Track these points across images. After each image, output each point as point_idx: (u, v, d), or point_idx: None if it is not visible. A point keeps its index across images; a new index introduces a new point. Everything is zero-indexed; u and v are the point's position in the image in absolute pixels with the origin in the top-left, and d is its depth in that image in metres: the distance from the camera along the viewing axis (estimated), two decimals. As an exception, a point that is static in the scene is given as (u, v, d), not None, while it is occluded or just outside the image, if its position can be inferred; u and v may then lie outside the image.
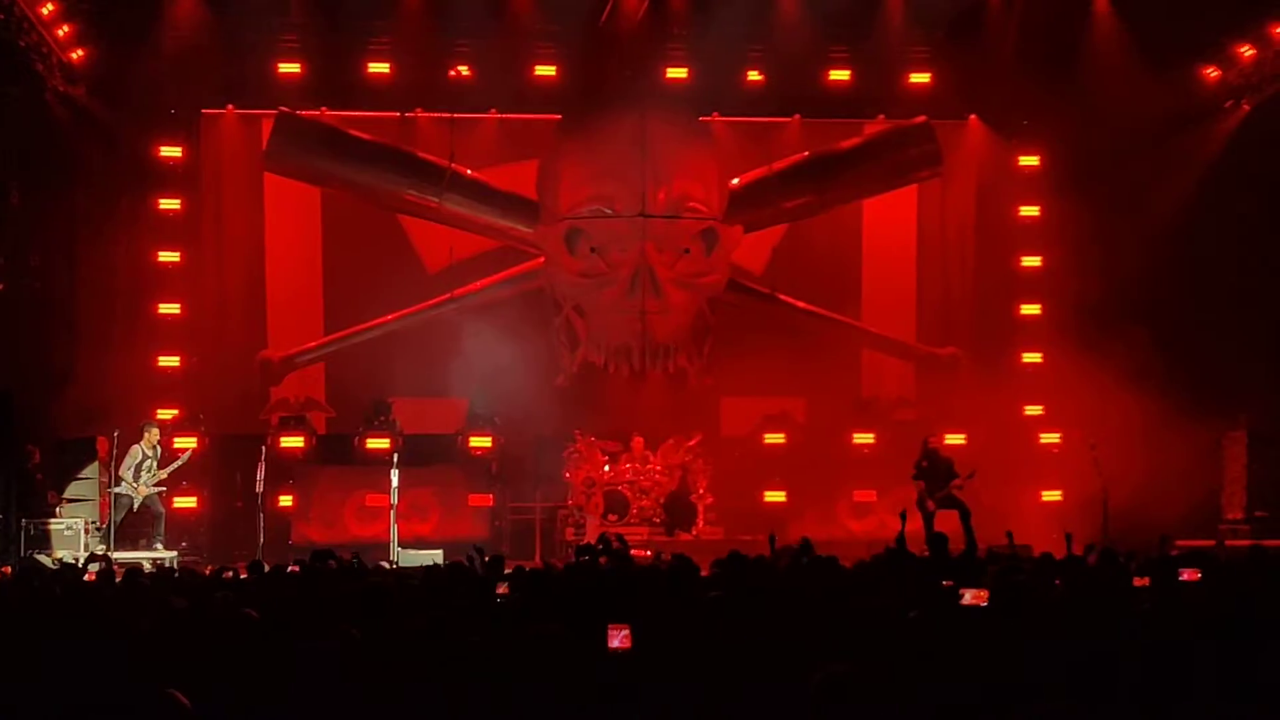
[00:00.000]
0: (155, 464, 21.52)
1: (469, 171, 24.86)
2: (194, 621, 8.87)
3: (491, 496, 23.66)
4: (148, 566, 17.64)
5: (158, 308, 24.12)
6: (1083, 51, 23.56)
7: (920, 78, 24.90)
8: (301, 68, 24.02)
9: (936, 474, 21.40)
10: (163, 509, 21.64)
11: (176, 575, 14.77)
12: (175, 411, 23.51)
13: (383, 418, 23.79)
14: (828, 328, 25.49)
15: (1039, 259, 25.61)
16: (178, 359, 24.19)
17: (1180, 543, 17.32)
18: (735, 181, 25.10)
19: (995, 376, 24.68)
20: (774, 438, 24.73)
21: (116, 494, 21.29)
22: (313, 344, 25.14)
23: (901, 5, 23.94)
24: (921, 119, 25.26)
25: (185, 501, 22.80)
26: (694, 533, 23.43)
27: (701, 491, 23.88)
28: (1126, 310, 23.08)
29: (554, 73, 24.25)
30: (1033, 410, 25.23)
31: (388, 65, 24.11)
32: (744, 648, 7.50)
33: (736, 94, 24.78)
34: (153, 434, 21.69)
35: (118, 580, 13.19)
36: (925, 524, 21.21)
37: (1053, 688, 6.89)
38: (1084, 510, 20.58)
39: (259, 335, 25.10)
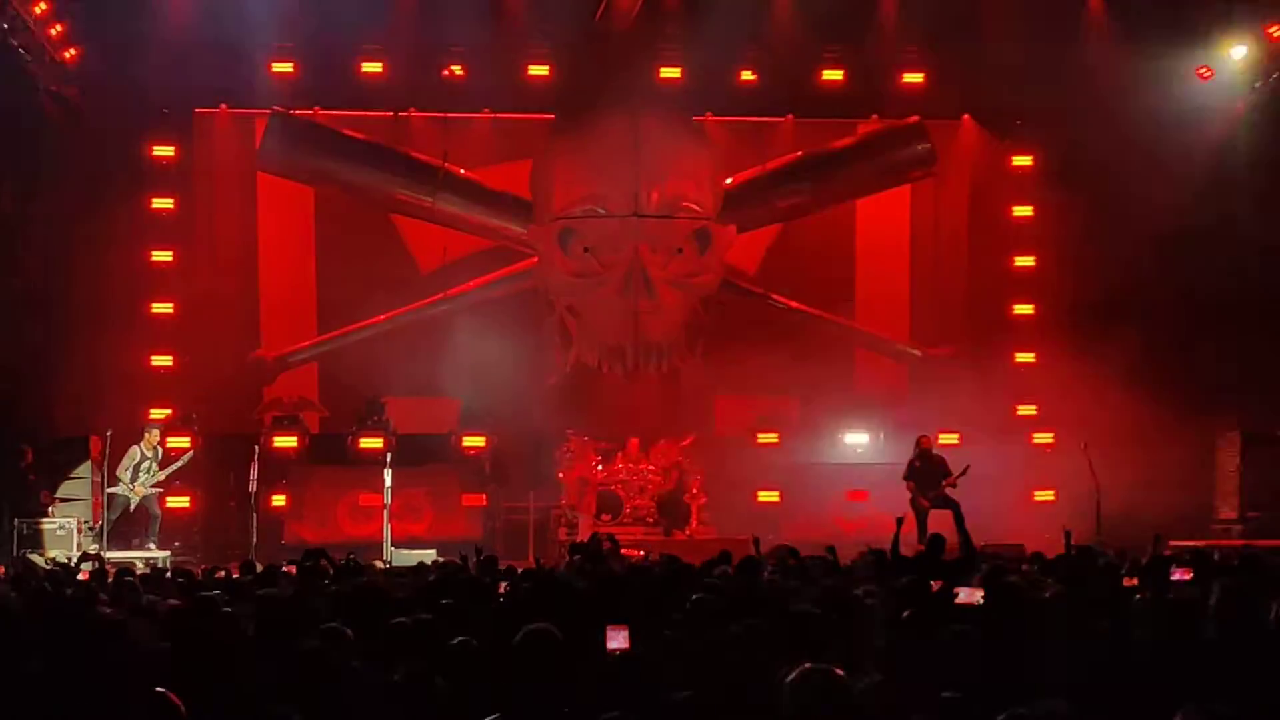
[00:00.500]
0: (154, 465, 21.52)
1: (462, 171, 24.86)
2: (187, 622, 8.86)
3: (485, 496, 23.64)
4: (141, 566, 17.64)
5: (151, 307, 24.11)
6: (1076, 51, 23.57)
7: (913, 77, 24.90)
8: (294, 67, 24.00)
9: (929, 474, 21.42)
10: (160, 510, 21.65)
11: (168, 575, 14.75)
12: (168, 411, 23.48)
13: (376, 417, 23.77)
14: (821, 327, 25.51)
15: (1032, 259, 25.63)
16: (171, 358, 24.18)
17: (1173, 543, 17.35)
18: (729, 181, 25.10)
19: (989, 376, 24.68)
20: (767, 437, 24.72)
21: (112, 494, 21.28)
22: (306, 343, 25.14)
23: (895, 5, 23.95)
24: (915, 119, 25.29)
25: (178, 501, 22.75)
26: (687, 532, 23.41)
27: (695, 491, 23.87)
28: (1120, 310, 23.10)
29: (547, 72, 24.25)
30: (1026, 410, 25.25)
31: (381, 65, 24.09)
32: (736, 649, 7.50)
33: (730, 93, 24.77)
34: (153, 436, 21.69)
35: (110, 580, 13.18)
36: (919, 524, 21.23)
37: (1047, 687, 6.89)
38: (1077, 510, 20.57)
39: (252, 335, 25.10)
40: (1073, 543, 15.86)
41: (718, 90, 24.68)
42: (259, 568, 14.40)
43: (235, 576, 13.84)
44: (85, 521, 21.16)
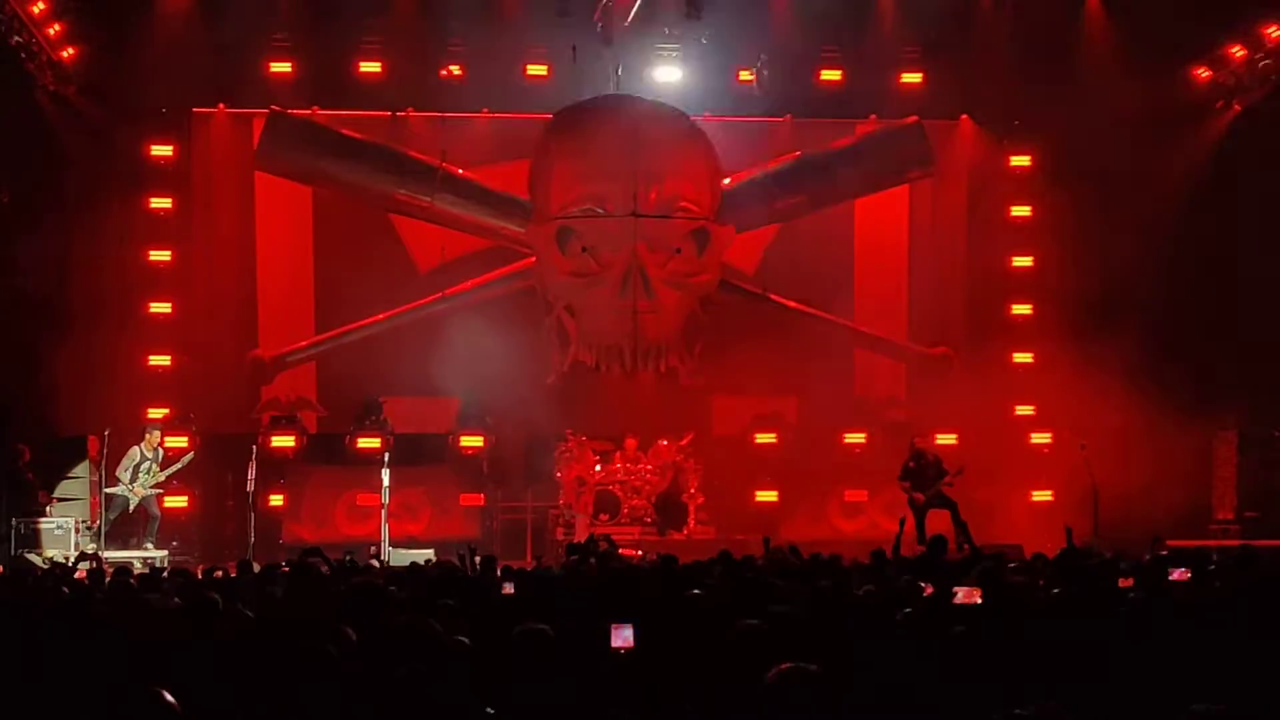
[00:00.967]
0: (154, 466, 21.51)
1: (460, 171, 24.85)
2: (185, 621, 8.86)
3: (483, 496, 23.65)
4: (138, 566, 17.63)
5: (148, 307, 24.09)
6: (1074, 51, 23.59)
7: (912, 78, 24.90)
8: (292, 67, 24.00)
9: (925, 474, 21.43)
10: (159, 511, 21.65)
11: (166, 575, 14.73)
12: (166, 411, 23.47)
13: (374, 417, 23.77)
14: (819, 327, 25.49)
15: (1030, 259, 25.64)
16: (168, 358, 24.17)
17: (1171, 543, 17.36)
18: (727, 181, 25.09)
19: (986, 376, 24.71)
20: (765, 437, 24.73)
21: (111, 494, 21.27)
22: (304, 343, 25.12)
23: (893, 5, 23.96)
24: (913, 119, 25.28)
25: (176, 501, 22.75)
26: (685, 532, 23.42)
27: (693, 491, 23.87)
28: (1117, 310, 23.12)
29: (545, 72, 24.25)
30: (1024, 410, 25.26)
31: (379, 64, 24.10)
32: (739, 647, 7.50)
33: (728, 93, 24.77)
34: (154, 437, 21.69)
35: (107, 580, 13.17)
36: (917, 524, 21.25)
37: (1045, 687, 6.89)
38: (1075, 510, 20.59)
39: (250, 334, 25.09)
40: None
41: (716, 90, 24.67)
42: (257, 567, 14.40)
43: (233, 576, 13.83)
44: (83, 521, 21.15)
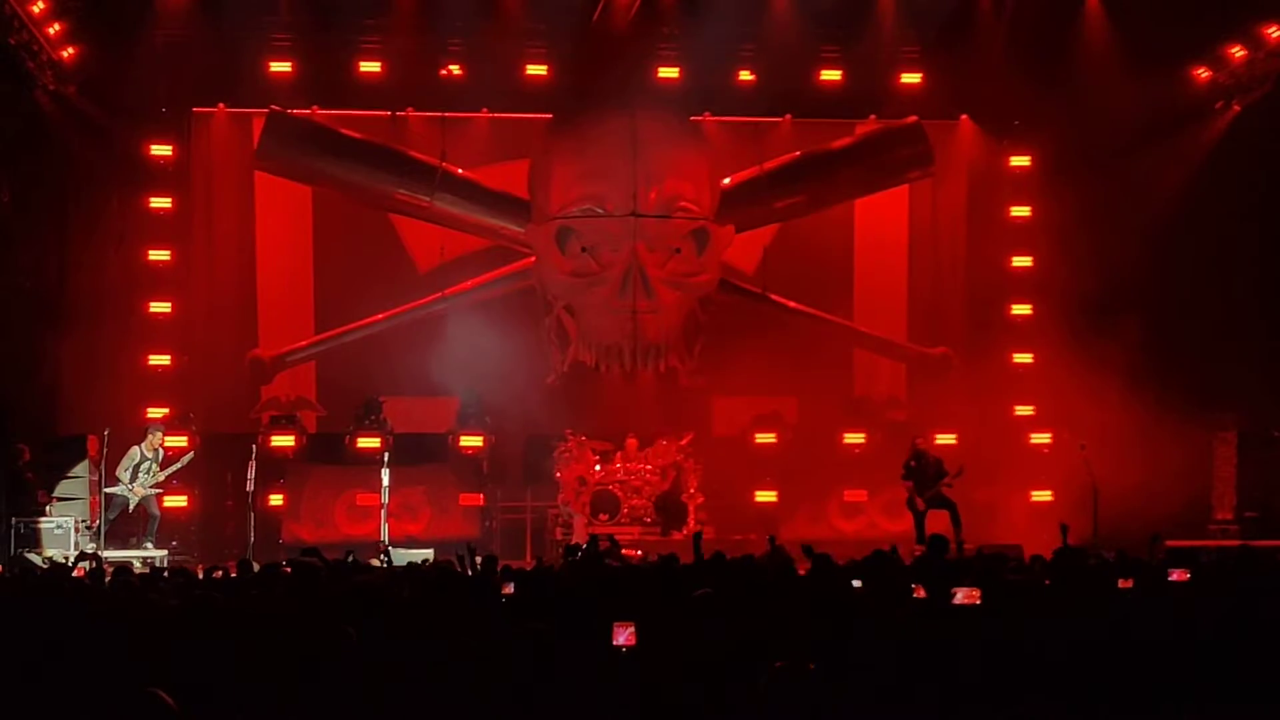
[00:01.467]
0: (154, 466, 21.50)
1: (460, 171, 24.85)
2: (183, 621, 8.86)
3: (482, 496, 23.65)
4: (138, 566, 17.62)
5: (148, 306, 24.09)
6: (1074, 52, 23.58)
7: (911, 78, 24.90)
8: (292, 66, 23.99)
9: (925, 474, 21.45)
10: (159, 511, 21.64)
11: (166, 575, 14.73)
12: (166, 410, 23.47)
13: (373, 417, 23.77)
14: (819, 327, 25.50)
15: (1030, 259, 25.64)
16: (168, 358, 24.17)
17: (1170, 543, 17.37)
18: (726, 181, 25.10)
19: (986, 376, 24.73)
20: (765, 437, 24.72)
21: (110, 494, 21.27)
22: (303, 343, 25.13)
23: (893, 5, 23.94)
24: (913, 119, 25.28)
25: (175, 500, 22.75)
26: (685, 532, 23.41)
27: (693, 491, 23.87)
28: (1117, 310, 23.12)
29: (545, 72, 24.25)
30: (1023, 410, 25.27)
31: (379, 64, 24.09)
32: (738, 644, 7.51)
33: (728, 93, 24.77)
34: (155, 438, 21.67)
35: (107, 579, 13.17)
36: (915, 524, 21.26)
37: (1043, 686, 6.90)
38: (1074, 510, 20.59)
39: (250, 334, 25.09)
40: (1070, 541, 15.87)
41: (716, 90, 24.68)
42: (256, 567, 14.40)
43: (233, 576, 13.83)
44: (82, 521, 21.15)
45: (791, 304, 25.55)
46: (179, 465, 21.86)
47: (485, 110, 24.87)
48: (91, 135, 23.28)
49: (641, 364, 24.46)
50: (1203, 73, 23.97)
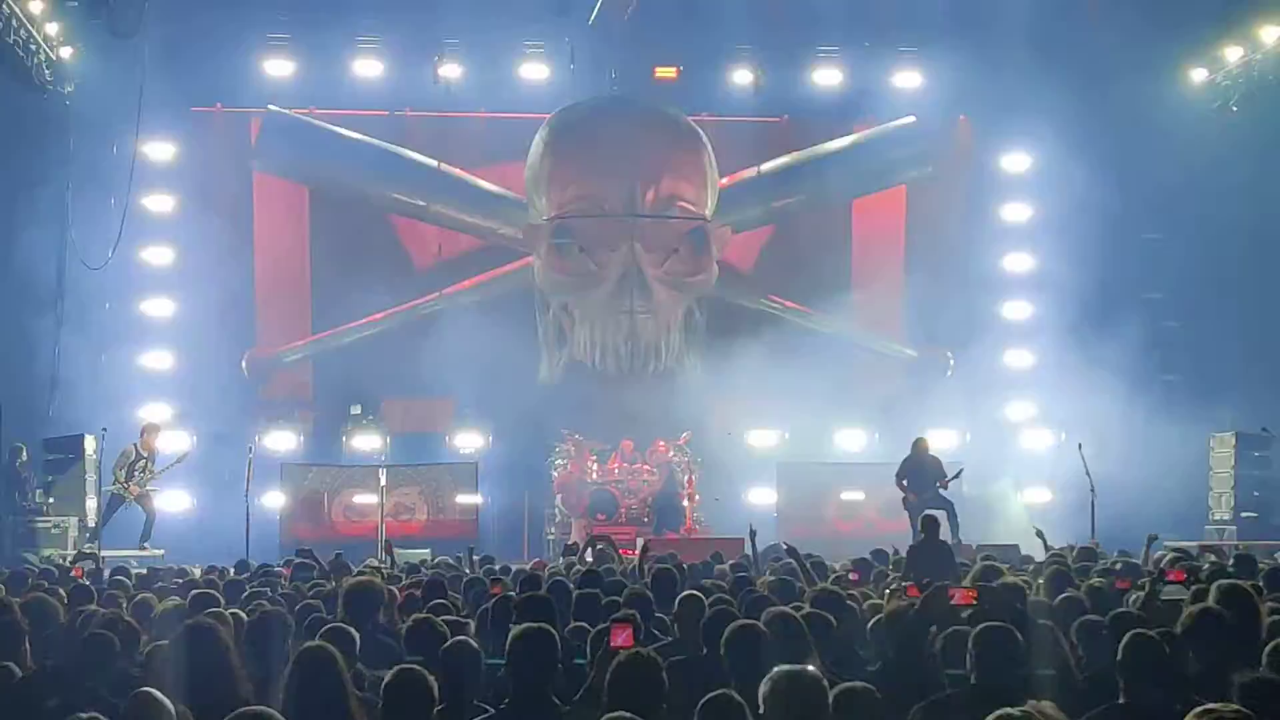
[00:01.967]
0: (149, 464, 21.49)
1: (458, 171, 24.85)
2: (182, 620, 8.86)
3: (479, 496, 23.64)
4: (136, 565, 17.61)
5: (146, 306, 24.08)
6: (1074, 51, 23.58)
7: (910, 78, 24.90)
8: (291, 67, 23.99)
9: (924, 474, 21.43)
10: (154, 510, 21.62)
11: (164, 575, 14.73)
12: (164, 410, 23.46)
13: (371, 417, 23.77)
14: (816, 327, 25.49)
15: (1028, 259, 25.64)
16: (166, 357, 24.15)
17: (1167, 543, 17.37)
18: (724, 181, 25.10)
19: (983, 376, 24.72)
20: (763, 437, 24.71)
21: (109, 493, 21.25)
22: (301, 343, 25.13)
23: (892, 5, 23.94)
24: (910, 119, 25.28)
25: (174, 500, 22.75)
26: (682, 532, 23.42)
27: (690, 491, 23.88)
28: (1116, 310, 23.13)
29: (544, 72, 24.24)
30: (1021, 410, 25.26)
31: (377, 64, 24.08)
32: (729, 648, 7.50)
33: (726, 93, 24.77)
34: (151, 438, 21.65)
35: (105, 579, 13.18)
36: (913, 523, 21.23)
37: (1040, 687, 6.91)
38: (1072, 510, 20.60)
39: (247, 334, 25.08)
40: (1069, 544, 15.88)
41: (713, 90, 24.67)
42: (254, 566, 14.41)
43: (231, 576, 13.82)
44: (80, 520, 21.14)
45: (789, 304, 25.56)
46: (173, 464, 21.84)
47: (483, 110, 24.87)
48: (89, 135, 23.26)
49: (639, 364, 24.48)
50: (1201, 73, 23.97)
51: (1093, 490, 20.33)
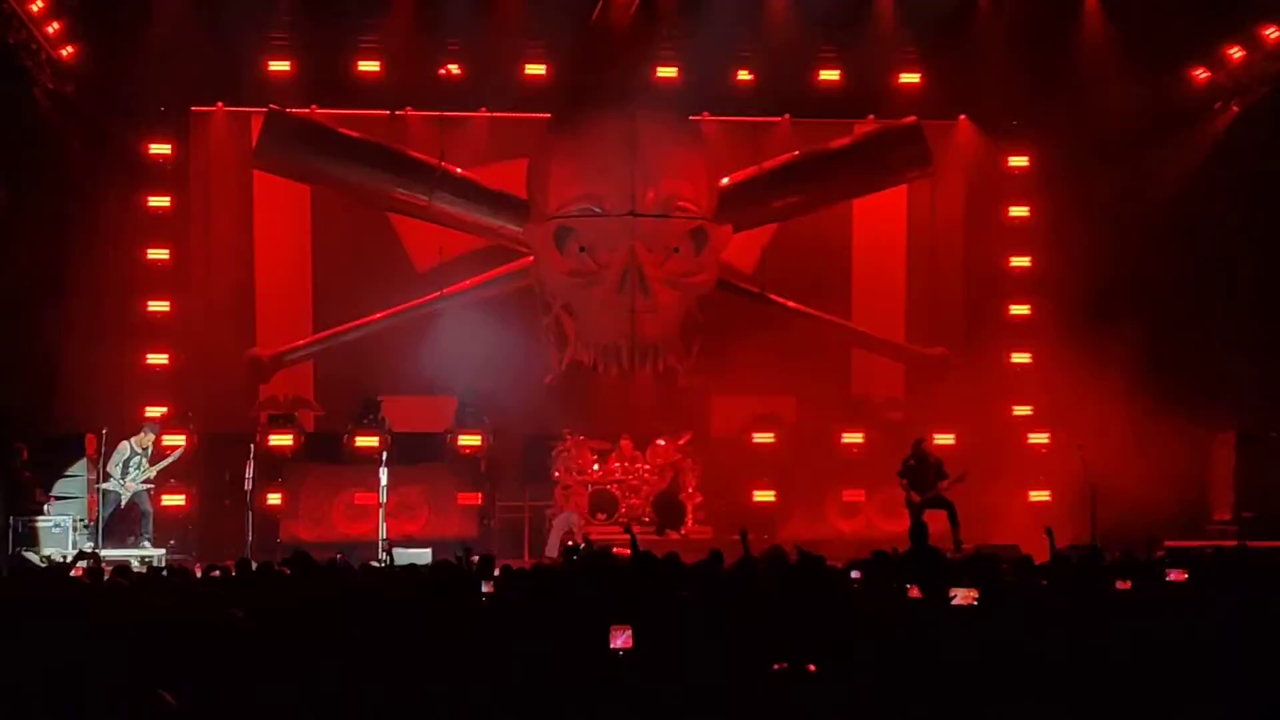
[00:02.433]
0: (144, 461, 21.50)
1: (459, 170, 24.85)
2: (183, 620, 8.87)
3: (480, 495, 23.64)
4: (136, 565, 17.62)
5: (146, 305, 24.09)
6: (1072, 52, 23.58)
7: (910, 78, 24.89)
8: (291, 65, 23.98)
9: (924, 474, 21.44)
10: (150, 507, 21.62)
11: (164, 574, 14.73)
12: (164, 409, 23.47)
13: (372, 416, 23.77)
14: (817, 327, 25.50)
15: (1028, 259, 25.64)
16: (166, 357, 24.16)
17: (1168, 543, 17.39)
18: (725, 181, 25.10)
19: (984, 376, 24.72)
20: (763, 437, 24.72)
21: (104, 490, 21.27)
22: (302, 342, 25.12)
23: (891, 5, 23.93)
24: (911, 119, 25.27)
25: (173, 499, 22.77)
26: (683, 532, 23.44)
27: (690, 491, 23.90)
28: (1115, 311, 23.13)
29: (544, 71, 24.24)
30: (1021, 410, 25.27)
31: (378, 63, 24.07)
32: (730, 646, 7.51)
33: (726, 93, 24.77)
34: (146, 437, 21.65)
35: (105, 578, 13.18)
36: (912, 523, 21.25)
37: (1041, 687, 6.91)
38: (1072, 511, 20.61)
39: (248, 333, 25.08)
40: (1069, 544, 15.89)
41: (714, 89, 24.66)
42: (254, 566, 14.41)
43: (232, 575, 13.83)
44: (80, 519, 21.15)
45: (790, 304, 25.55)
46: (169, 461, 21.84)
47: (484, 110, 24.87)
48: (90, 134, 23.27)
49: (640, 363, 24.47)
50: (1201, 73, 23.97)
51: (1093, 490, 20.38)
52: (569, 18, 23.53)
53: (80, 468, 21.83)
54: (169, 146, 24.30)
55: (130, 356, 23.69)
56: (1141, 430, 21.51)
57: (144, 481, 21.49)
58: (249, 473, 21.46)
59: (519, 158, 25.15)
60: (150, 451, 21.66)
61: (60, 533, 20.55)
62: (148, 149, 24.12)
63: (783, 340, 24.45)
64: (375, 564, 17.28)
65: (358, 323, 24.78)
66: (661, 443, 24.18)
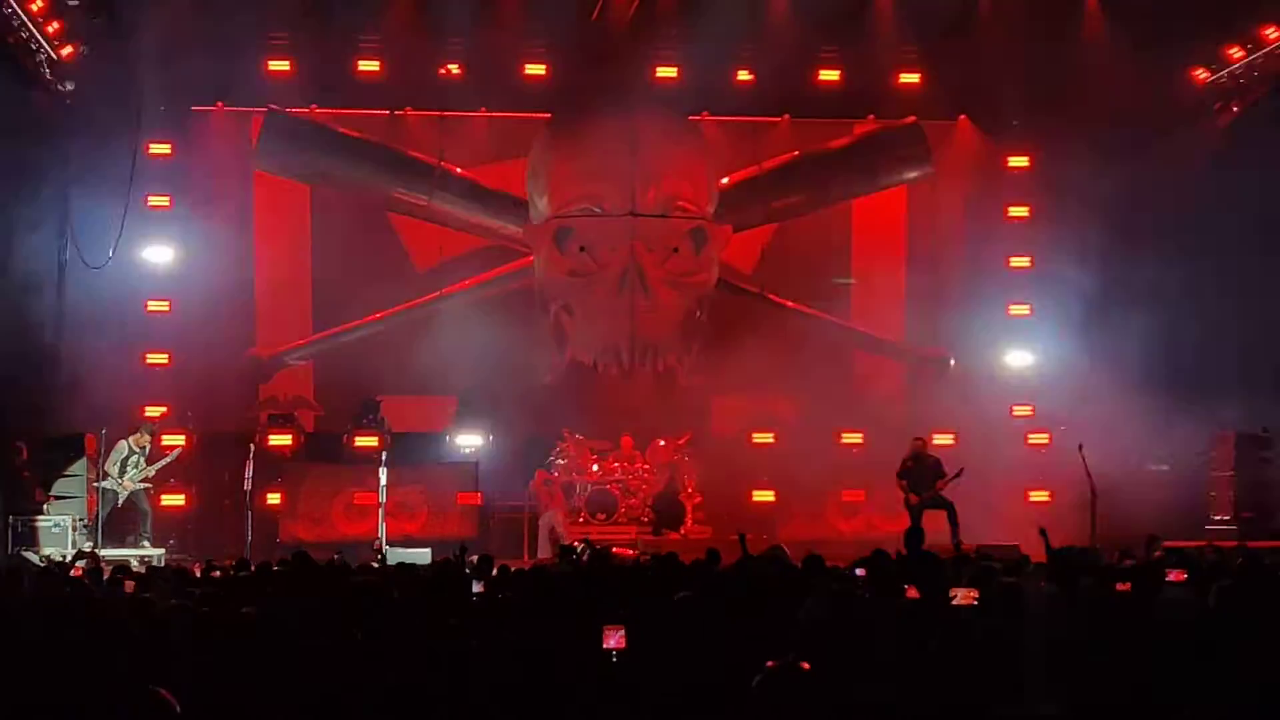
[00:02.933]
0: (142, 460, 21.50)
1: (458, 170, 24.86)
2: (182, 620, 8.86)
3: (480, 495, 23.64)
4: (135, 564, 17.62)
5: (146, 305, 24.09)
6: (1073, 52, 23.58)
7: (910, 78, 24.90)
8: (291, 65, 23.99)
9: (923, 474, 21.43)
10: (149, 507, 21.62)
11: (164, 573, 14.73)
12: (164, 409, 23.47)
13: (371, 416, 23.77)
14: (817, 327, 25.50)
15: (1028, 259, 25.64)
16: (166, 356, 24.16)
17: (1167, 544, 17.36)
18: (725, 181, 25.11)
19: (984, 377, 24.70)
20: (763, 437, 24.71)
21: (102, 489, 21.27)
22: (302, 342, 25.14)
23: (891, 5, 23.94)
24: (911, 119, 25.29)
25: (173, 499, 22.77)
26: (682, 532, 23.44)
27: (690, 491, 23.89)
28: (1116, 311, 23.11)
29: (544, 71, 24.25)
30: (1021, 411, 25.27)
31: (377, 63, 24.09)
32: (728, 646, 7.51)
33: (726, 93, 24.77)
34: (143, 437, 21.65)
35: (105, 578, 13.18)
36: (910, 526, 21.21)
37: (1041, 688, 6.91)
38: (1072, 511, 20.59)
39: (248, 333, 25.09)
40: (1069, 544, 15.86)
41: (714, 89, 24.66)
42: (253, 566, 14.41)
43: (231, 575, 13.83)
44: (80, 519, 21.15)
45: (789, 304, 25.56)
46: (166, 460, 21.84)
47: (484, 109, 24.88)
48: (90, 133, 23.25)
49: (639, 363, 24.48)
50: (1202, 74, 23.97)
51: (1093, 490, 20.35)
52: (569, 18, 23.53)
53: (80, 467, 21.83)
54: (169, 146, 24.29)
55: (130, 356, 23.67)
56: (1141, 430, 21.49)
57: (141, 481, 21.49)
58: (248, 472, 21.46)
59: (519, 158, 25.15)
60: (148, 450, 21.66)
61: (60, 532, 20.55)
62: (148, 148, 24.09)
63: (782, 340, 24.42)
64: (374, 565, 17.28)
65: (357, 322, 24.80)
66: (661, 443, 24.17)
